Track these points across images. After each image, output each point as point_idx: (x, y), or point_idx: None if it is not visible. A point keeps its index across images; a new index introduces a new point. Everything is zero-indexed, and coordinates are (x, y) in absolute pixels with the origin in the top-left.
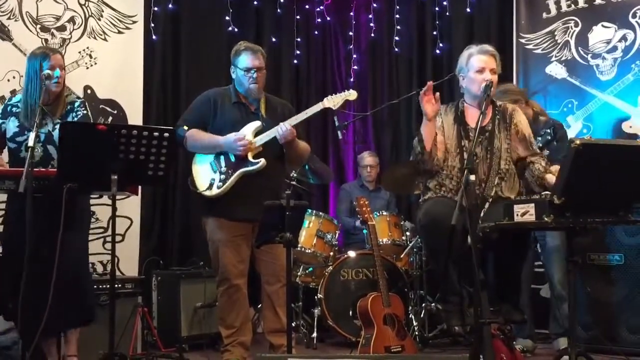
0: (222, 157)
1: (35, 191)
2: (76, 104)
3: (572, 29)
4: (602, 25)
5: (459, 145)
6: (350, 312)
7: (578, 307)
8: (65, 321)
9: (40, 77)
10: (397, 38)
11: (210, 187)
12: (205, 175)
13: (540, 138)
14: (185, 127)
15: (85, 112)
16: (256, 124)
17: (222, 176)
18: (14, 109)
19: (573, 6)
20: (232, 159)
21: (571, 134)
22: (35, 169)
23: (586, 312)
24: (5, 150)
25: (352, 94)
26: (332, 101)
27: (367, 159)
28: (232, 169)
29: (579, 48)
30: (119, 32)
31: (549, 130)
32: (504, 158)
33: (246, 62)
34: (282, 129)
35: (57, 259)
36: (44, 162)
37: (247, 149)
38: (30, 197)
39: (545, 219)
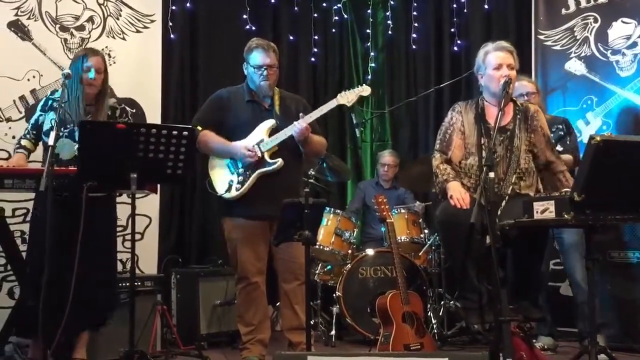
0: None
1: (63, 190)
2: (117, 113)
3: (591, 25)
4: (622, 21)
5: (479, 144)
6: (369, 310)
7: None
8: (77, 324)
9: (80, 76)
10: (414, 35)
11: (229, 189)
12: (224, 177)
13: (552, 134)
14: (199, 128)
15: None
16: (270, 122)
17: (240, 177)
18: (54, 104)
19: (592, 2)
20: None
21: (591, 130)
22: (56, 168)
23: (607, 309)
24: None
25: (365, 90)
26: (346, 97)
27: (387, 157)
28: (250, 170)
29: (599, 44)
30: (138, 31)
31: (560, 126)
32: (524, 157)
33: (257, 59)
34: (297, 127)
35: (77, 260)
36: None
37: (256, 158)
38: (52, 195)
39: (565, 216)
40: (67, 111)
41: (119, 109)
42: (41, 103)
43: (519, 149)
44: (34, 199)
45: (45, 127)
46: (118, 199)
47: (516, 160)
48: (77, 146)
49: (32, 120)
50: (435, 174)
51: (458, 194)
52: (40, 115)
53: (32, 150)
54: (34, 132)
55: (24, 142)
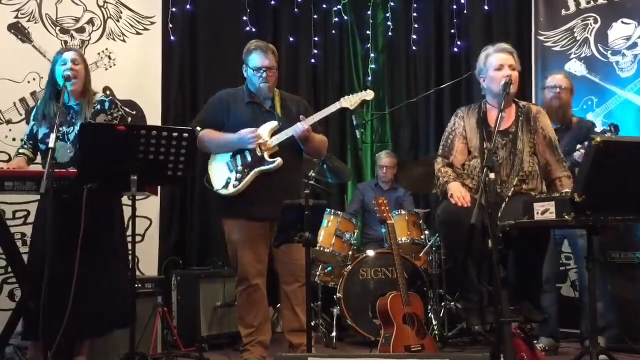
0: (238, 157)
1: (63, 193)
2: (107, 105)
3: (591, 25)
4: (622, 22)
5: (482, 149)
6: (370, 312)
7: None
8: (81, 329)
9: (53, 79)
10: (414, 36)
11: (226, 186)
12: (222, 174)
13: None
14: (199, 128)
15: (121, 113)
16: (273, 124)
17: (239, 175)
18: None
19: (592, 3)
20: (249, 158)
21: None
22: (57, 170)
23: (608, 310)
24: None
25: (369, 95)
26: (350, 101)
27: (384, 159)
28: (248, 168)
29: (599, 45)
30: (138, 34)
31: (607, 127)
32: (527, 160)
33: (256, 61)
34: (299, 129)
35: (77, 263)
36: (76, 162)
37: (260, 142)
38: (52, 198)
39: (566, 217)
40: (63, 111)
41: (108, 101)
42: (34, 112)
43: (522, 151)
44: (38, 200)
45: (40, 135)
46: None
47: (519, 163)
48: (69, 148)
49: (28, 131)
50: (437, 177)
51: (458, 193)
52: (34, 124)
53: (32, 158)
54: (31, 142)
55: (22, 151)
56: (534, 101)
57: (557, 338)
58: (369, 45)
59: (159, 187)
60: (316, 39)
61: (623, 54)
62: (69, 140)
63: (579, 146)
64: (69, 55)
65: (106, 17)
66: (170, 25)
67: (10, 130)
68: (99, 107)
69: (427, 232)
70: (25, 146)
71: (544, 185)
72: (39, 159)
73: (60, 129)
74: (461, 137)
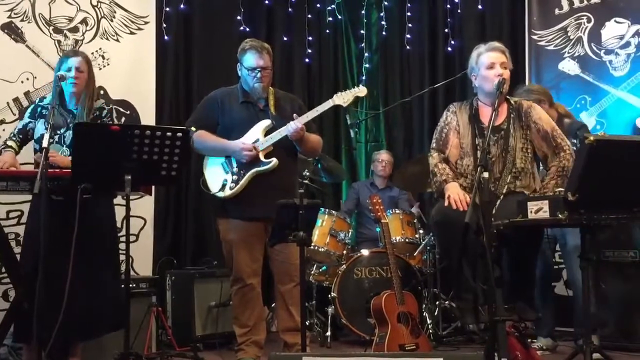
0: (233, 158)
1: (55, 193)
2: (104, 113)
3: (584, 24)
4: (615, 21)
5: (474, 144)
6: (364, 311)
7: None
8: (74, 331)
9: (56, 78)
10: (408, 36)
11: (223, 188)
12: (218, 177)
13: (575, 141)
14: (193, 128)
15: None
16: (266, 122)
17: (235, 177)
18: (43, 111)
19: (585, 2)
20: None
21: None
22: (50, 170)
23: (602, 309)
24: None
25: (362, 91)
26: (342, 98)
27: (383, 154)
28: (244, 169)
29: (592, 44)
30: (131, 33)
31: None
32: (519, 157)
33: (250, 61)
34: (292, 127)
35: (71, 264)
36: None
37: (254, 157)
38: (45, 198)
39: (559, 215)
40: (61, 113)
41: (107, 109)
42: (29, 109)
43: (514, 148)
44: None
45: (37, 135)
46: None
47: (511, 160)
48: (65, 151)
49: (20, 125)
50: (433, 172)
51: (456, 195)
52: (30, 122)
53: (17, 152)
54: (21, 136)
55: (10, 143)
56: None
57: (555, 337)
58: (363, 45)
59: (153, 187)
60: (310, 38)
61: (616, 52)
62: (65, 143)
63: None
64: (74, 62)
65: (100, 16)
66: (164, 25)
67: (4, 130)
68: (97, 113)
69: (421, 231)
70: (14, 138)
71: (537, 183)
72: (27, 157)
73: (58, 131)
74: (455, 131)
